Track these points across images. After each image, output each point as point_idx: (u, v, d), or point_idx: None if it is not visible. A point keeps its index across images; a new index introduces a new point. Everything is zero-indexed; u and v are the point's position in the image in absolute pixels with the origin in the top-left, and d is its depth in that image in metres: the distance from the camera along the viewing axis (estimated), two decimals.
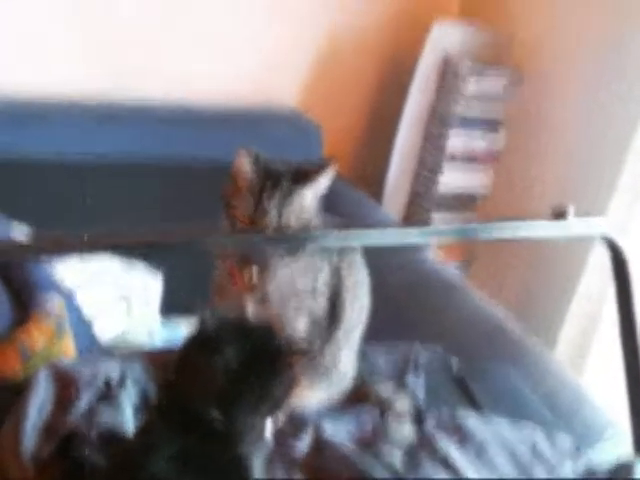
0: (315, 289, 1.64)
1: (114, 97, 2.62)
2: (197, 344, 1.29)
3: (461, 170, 2.96)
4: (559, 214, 1.60)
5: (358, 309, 1.73)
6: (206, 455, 1.23)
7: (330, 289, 1.67)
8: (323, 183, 1.57)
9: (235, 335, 1.29)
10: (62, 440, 1.43)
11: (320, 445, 1.62)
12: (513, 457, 1.69)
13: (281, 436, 1.64)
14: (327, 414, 1.72)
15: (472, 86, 2.87)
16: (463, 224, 1.76)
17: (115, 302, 2.29)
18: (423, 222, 3.01)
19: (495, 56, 2.94)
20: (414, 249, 2.74)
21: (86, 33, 2.56)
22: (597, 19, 2.67)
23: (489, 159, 2.97)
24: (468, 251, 3.07)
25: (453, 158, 2.93)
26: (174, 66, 2.71)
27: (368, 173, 3.10)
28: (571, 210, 1.56)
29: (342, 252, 1.69)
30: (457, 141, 2.92)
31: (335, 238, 1.50)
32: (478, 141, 2.94)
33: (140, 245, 1.35)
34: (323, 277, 1.65)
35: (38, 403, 1.46)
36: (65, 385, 1.51)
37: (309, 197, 1.57)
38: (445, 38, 2.89)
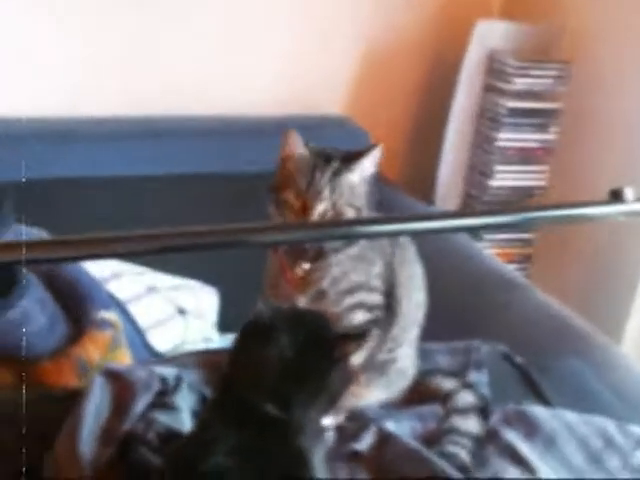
0: (369, 283, 1.62)
1: (156, 112, 2.62)
2: (252, 333, 1.26)
3: (514, 169, 2.91)
4: (616, 195, 1.56)
5: (415, 305, 1.70)
6: (264, 449, 1.21)
7: (384, 284, 1.64)
8: (369, 164, 1.58)
9: (290, 324, 1.27)
10: (120, 444, 1.40)
11: (383, 441, 1.59)
12: (584, 446, 1.64)
13: (342, 434, 1.61)
14: (388, 412, 1.68)
15: (519, 83, 2.82)
16: (521, 210, 1.70)
17: (170, 315, 2.28)
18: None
19: (542, 51, 2.90)
20: (471, 249, 2.71)
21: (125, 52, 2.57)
22: None
23: (543, 156, 2.92)
24: (524, 252, 3.01)
25: (505, 157, 2.88)
26: (219, 78, 2.71)
27: (418, 177, 3.08)
28: (629, 192, 1.52)
29: (394, 246, 1.67)
30: (508, 139, 2.87)
31: (388, 225, 1.46)
32: (530, 138, 2.88)
33: (186, 245, 1.32)
34: (376, 271, 1.63)
35: (94, 409, 1.44)
36: (121, 389, 1.49)
37: (357, 178, 1.57)
38: (489, 36, 2.86)
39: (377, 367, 1.67)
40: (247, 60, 2.74)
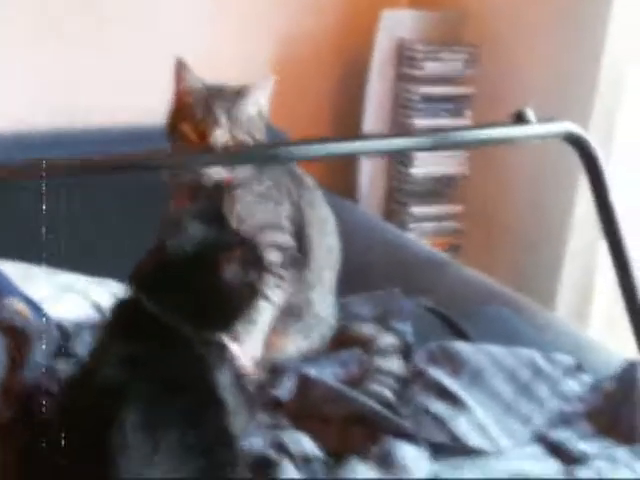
0: (279, 223, 1.59)
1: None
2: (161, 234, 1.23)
3: (434, 155, 2.90)
4: (519, 117, 1.57)
5: (326, 248, 1.68)
6: (161, 355, 1.16)
7: (293, 225, 1.62)
8: (262, 95, 1.62)
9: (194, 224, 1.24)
10: (22, 401, 1.34)
11: (303, 385, 1.55)
12: (512, 378, 1.62)
13: (262, 385, 1.56)
14: (309, 361, 1.64)
15: (429, 68, 2.83)
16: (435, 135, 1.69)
17: (86, 313, 2.21)
18: (402, 218, 2.95)
19: (449, 37, 2.93)
20: (399, 237, 2.69)
21: None
22: None
23: None
24: (453, 242, 3.01)
25: None
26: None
27: (339, 175, 3.05)
28: (531, 113, 1.53)
29: (300, 188, 1.65)
30: (424, 126, 2.87)
31: (294, 150, 1.44)
32: (445, 124, 2.89)
33: (97, 168, 1.28)
34: (285, 212, 1.60)
35: None
36: (15, 342, 1.43)
37: (253, 108, 1.60)
38: (396, 25, 2.88)
39: (292, 311, 1.63)
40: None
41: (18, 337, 1.45)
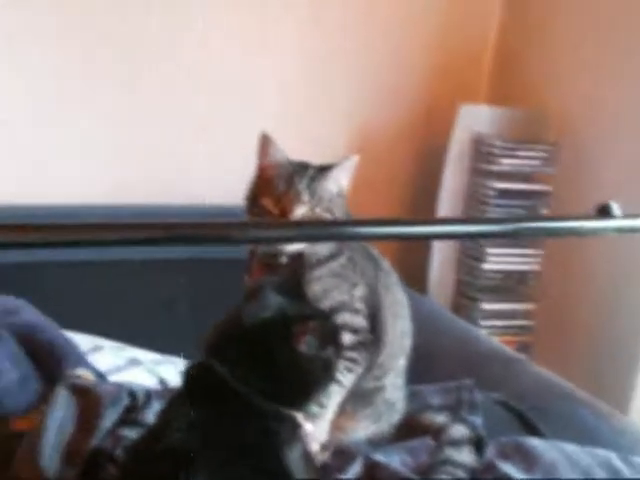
0: (352, 305, 1.57)
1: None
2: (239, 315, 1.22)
3: (507, 252, 2.88)
4: (604, 210, 1.55)
5: (400, 333, 1.65)
6: (230, 423, 1.14)
7: (368, 308, 1.60)
8: (344, 174, 1.61)
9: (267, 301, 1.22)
10: (86, 462, 1.32)
11: (371, 471, 1.51)
12: (586, 477, 1.55)
13: (328, 469, 1.53)
14: (377, 447, 1.60)
15: (506, 164, 2.83)
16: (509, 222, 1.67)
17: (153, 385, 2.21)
18: (472, 314, 2.91)
19: (527, 134, 2.92)
20: (468, 331, 2.64)
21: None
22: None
23: (535, 239, 2.89)
24: (524, 340, 2.95)
25: (496, 241, 2.86)
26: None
27: (410, 266, 3.03)
28: (616, 207, 1.51)
29: (377, 269, 1.64)
30: None
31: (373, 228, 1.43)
32: None
33: (169, 236, 1.28)
34: (359, 293, 1.59)
35: (57, 423, 1.38)
36: (87, 404, 1.43)
37: (334, 186, 1.60)
38: (474, 119, 2.89)
39: (364, 396, 1.61)
40: (230, 146, 2.75)
41: (91, 400, 1.44)
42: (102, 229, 1.25)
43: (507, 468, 1.55)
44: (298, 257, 1.52)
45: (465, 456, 1.59)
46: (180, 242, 1.40)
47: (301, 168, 1.58)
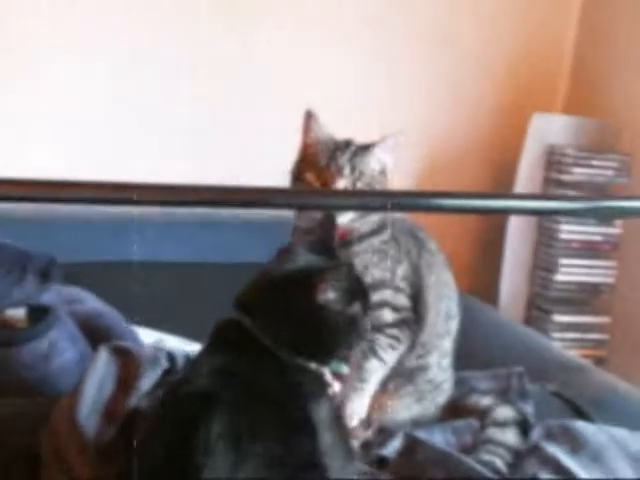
0: (394, 282, 1.58)
1: None
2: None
3: (579, 263, 2.85)
4: None
5: (445, 314, 1.65)
6: (255, 371, 1.16)
7: (410, 287, 1.61)
8: (386, 151, 1.62)
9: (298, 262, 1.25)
10: (124, 422, 1.35)
11: (412, 447, 1.51)
12: (636, 462, 1.52)
13: (369, 445, 1.53)
14: (421, 427, 1.60)
15: (578, 173, 2.80)
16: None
17: None
18: (544, 326, 2.88)
19: (600, 145, 2.90)
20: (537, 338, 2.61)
21: None
22: None
23: (609, 251, 2.86)
24: (598, 354, 2.90)
25: (569, 251, 2.83)
26: None
27: (481, 278, 3.02)
28: None
29: (421, 249, 1.65)
30: (571, 232, 2.83)
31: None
32: (594, 231, 2.84)
33: (212, 199, 1.33)
34: (402, 271, 1.60)
35: (97, 382, 1.42)
36: (127, 365, 1.47)
37: (375, 163, 1.60)
38: (546, 129, 2.88)
39: (406, 374, 1.62)
40: None
41: (131, 362, 1.47)
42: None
43: (553, 450, 1.53)
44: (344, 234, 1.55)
45: (509, 437, 1.58)
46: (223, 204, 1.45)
47: (344, 144, 1.61)
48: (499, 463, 1.51)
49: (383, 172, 1.61)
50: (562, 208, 1.72)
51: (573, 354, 2.58)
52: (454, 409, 1.68)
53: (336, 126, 1.65)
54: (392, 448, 1.52)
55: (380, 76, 2.90)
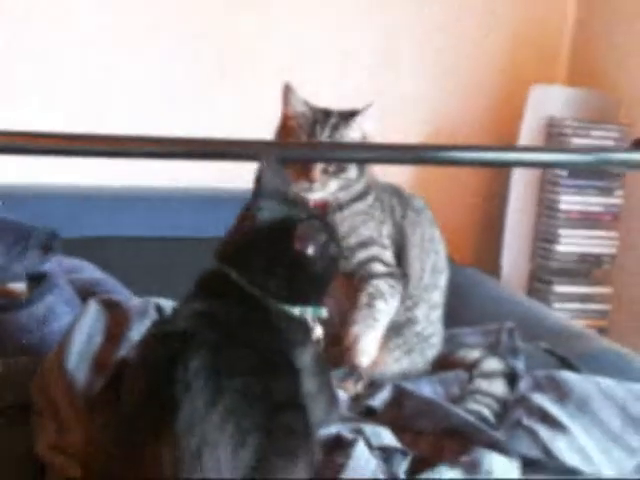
0: (381, 240, 1.62)
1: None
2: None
3: (580, 233, 2.86)
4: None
5: (431, 267, 1.68)
6: (237, 314, 1.19)
7: (394, 245, 1.64)
8: (367, 121, 1.65)
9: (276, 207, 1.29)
10: (113, 373, 1.38)
11: (399, 397, 1.53)
12: (621, 410, 1.56)
13: (359, 399, 1.56)
14: (410, 380, 1.62)
15: (578, 145, 2.82)
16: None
17: None
18: (546, 297, 2.89)
19: (600, 116, 2.91)
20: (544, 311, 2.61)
21: None
22: None
23: (610, 221, 2.87)
24: (600, 325, 2.91)
25: (570, 221, 2.85)
26: None
27: (483, 252, 3.05)
28: None
29: (406, 208, 1.68)
30: (571, 202, 2.84)
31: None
32: (594, 202, 2.85)
33: (185, 151, 1.37)
34: (386, 231, 1.63)
35: (85, 332, 1.45)
36: (116, 317, 1.50)
37: (357, 134, 1.64)
38: (546, 101, 2.89)
39: (394, 327, 1.65)
40: None
41: (119, 313, 1.50)
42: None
43: (539, 399, 1.55)
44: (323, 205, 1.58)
45: (496, 387, 1.61)
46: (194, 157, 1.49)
47: (323, 116, 1.63)
48: (486, 412, 1.54)
49: (364, 139, 1.64)
50: (569, 160, 1.74)
51: (574, 322, 2.59)
52: (444, 363, 1.70)
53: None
54: (380, 399, 1.54)
55: (382, 50, 2.93)
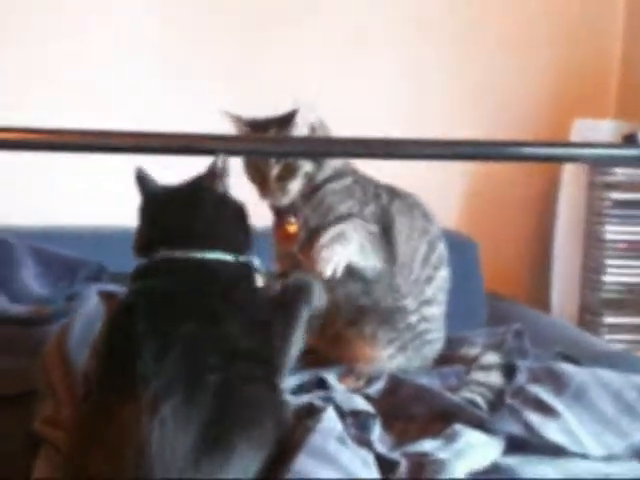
0: (362, 214, 1.67)
1: None
2: None
3: (627, 265, 2.86)
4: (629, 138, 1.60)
5: (421, 260, 1.71)
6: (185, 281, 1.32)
7: (379, 223, 1.69)
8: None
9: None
10: None
11: (395, 385, 1.58)
12: (617, 398, 1.58)
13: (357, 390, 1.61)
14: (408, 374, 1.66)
15: (621, 174, 2.83)
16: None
17: None
18: (596, 329, 2.88)
19: None
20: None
21: None
22: None
23: None
24: None
25: (616, 253, 2.85)
26: None
27: (532, 287, 3.06)
28: None
29: (395, 197, 1.75)
30: (617, 235, 2.85)
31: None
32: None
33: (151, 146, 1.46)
34: (369, 211, 1.69)
35: (85, 318, 1.54)
36: (112, 306, 1.58)
37: (302, 128, 1.68)
38: (591, 134, 2.91)
39: (382, 313, 1.69)
40: None
41: (115, 303, 1.58)
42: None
43: (536, 390, 1.57)
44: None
45: (492, 378, 1.63)
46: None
47: (263, 130, 1.68)
48: (479, 399, 1.57)
49: (313, 130, 1.69)
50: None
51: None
52: (445, 361, 1.73)
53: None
54: (376, 388, 1.59)
55: (423, 83, 2.99)
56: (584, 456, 1.45)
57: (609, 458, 1.46)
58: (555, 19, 3.06)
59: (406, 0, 2.94)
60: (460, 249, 2.82)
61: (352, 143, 1.64)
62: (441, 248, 1.78)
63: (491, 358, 1.69)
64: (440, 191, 2.89)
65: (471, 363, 1.69)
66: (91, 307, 1.59)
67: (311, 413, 1.36)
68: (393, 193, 1.76)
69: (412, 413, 1.52)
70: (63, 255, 2.38)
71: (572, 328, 2.77)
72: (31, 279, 2.25)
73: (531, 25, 3.04)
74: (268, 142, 1.64)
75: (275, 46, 2.84)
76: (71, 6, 2.68)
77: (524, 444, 1.47)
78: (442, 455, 1.34)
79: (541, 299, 3.03)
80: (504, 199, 3.10)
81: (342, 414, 1.38)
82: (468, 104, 3.02)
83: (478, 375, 1.64)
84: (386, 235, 1.70)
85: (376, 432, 1.40)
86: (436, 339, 1.75)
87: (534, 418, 1.49)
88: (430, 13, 2.95)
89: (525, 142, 1.88)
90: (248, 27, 2.82)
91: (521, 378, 1.63)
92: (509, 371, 1.66)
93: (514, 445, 1.46)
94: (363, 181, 1.74)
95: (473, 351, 1.73)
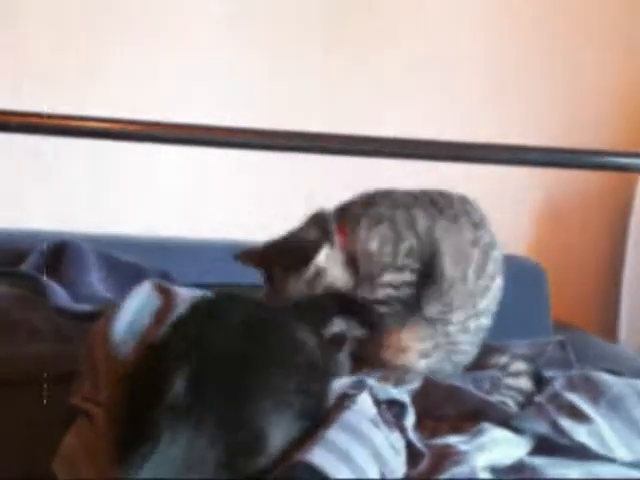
0: (397, 264, 1.72)
1: None
2: None
3: None
4: None
5: (475, 272, 1.74)
6: None
7: (418, 260, 1.72)
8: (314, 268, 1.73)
9: None
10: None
11: (427, 387, 1.60)
12: None
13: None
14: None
15: None
16: None
17: None
18: None
19: None
20: None
21: None
22: None
23: None
24: None
25: None
26: None
27: (600, 317, 3.04)
28: None
29: (437, 217, 1.75)
30: None
31: None
32: None
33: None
34: (405, 249, 1.72)
35: (134, 308, 1.58)
36: (166, 303, 1.63)
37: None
38: None
39: (425, 317, 1.72)
40: None
41: (169, 298, 1.64)
42: None
43: (572, 397, 1.57)
44: None
45: (521, 382, 1.65)
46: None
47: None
48: (509, 401, 1.59)
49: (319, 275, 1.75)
50: None
51: None
52: (474, 368, 1.75)
53: None
54: (409, 388, 1.61)
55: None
56: (611, 460, 1.46)
57: (638, 465, 1.46)
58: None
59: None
60: (527, 275, 2.84)
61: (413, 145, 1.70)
62: (496, 255, 1.76)
63: (520, 366, 1.70)
64: (510, 216, 2.91)
65: (500, 371, 1.70)
66: (141, 296, 1.63)
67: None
68: (434, 211, 1.75)
69: (443, 413, 1.54)
70: (129, 261, 2.46)
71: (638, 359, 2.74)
72: (98, 282, 2.32)
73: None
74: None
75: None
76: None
77: (554, 446, 1.47)
78: (464, 447, 1.37)
79: (609, 329, 3.00)
80: (574, 225, 3.09)
81: (377, 402, 1.41)
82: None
83: (507, 380, 1.65)
84: (430, 261, 1.73)
85: (410, 420, 1.43)
86: (470, 350, 1.76)
87: (565, 423, 1.49)
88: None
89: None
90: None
91: (557, 384, 1.63)
92: (538, 380, 1.67)
93: (544, 447, 1.47)
94: (395, 213, 1.75)
95: (502, 360, 1.74)
